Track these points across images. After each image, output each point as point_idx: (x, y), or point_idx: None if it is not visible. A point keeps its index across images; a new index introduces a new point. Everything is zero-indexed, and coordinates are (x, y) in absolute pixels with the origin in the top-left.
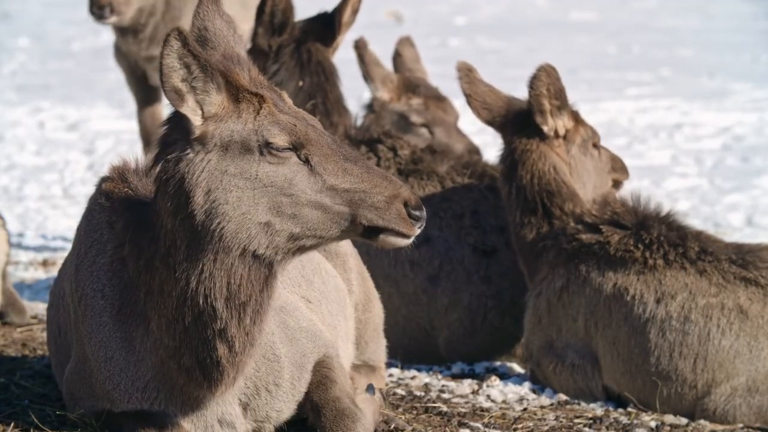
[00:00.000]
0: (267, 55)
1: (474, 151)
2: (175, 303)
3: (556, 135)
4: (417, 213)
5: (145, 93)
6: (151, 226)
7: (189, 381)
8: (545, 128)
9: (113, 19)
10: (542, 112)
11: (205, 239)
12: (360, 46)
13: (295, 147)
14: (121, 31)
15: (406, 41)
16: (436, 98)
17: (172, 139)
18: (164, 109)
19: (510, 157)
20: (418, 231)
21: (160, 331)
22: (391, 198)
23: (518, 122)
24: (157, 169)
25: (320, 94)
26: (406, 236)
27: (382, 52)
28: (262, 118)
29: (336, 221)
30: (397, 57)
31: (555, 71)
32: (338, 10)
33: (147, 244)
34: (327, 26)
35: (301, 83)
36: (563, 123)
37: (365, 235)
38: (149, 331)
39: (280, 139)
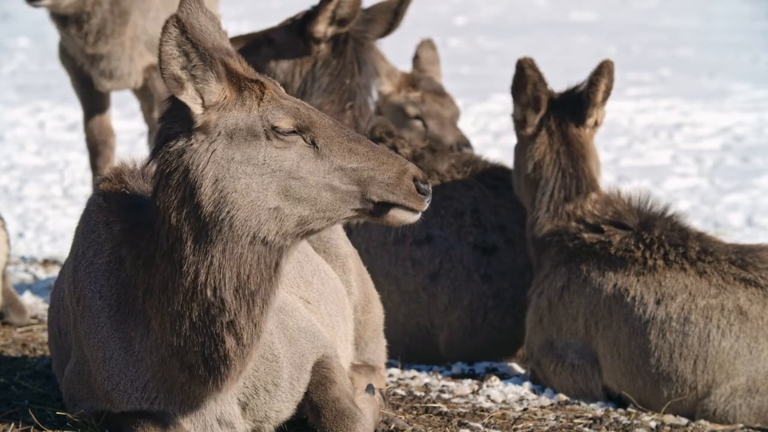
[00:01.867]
0: (317, 42)
1: (464, 143)
2: (181, 299)
3: (594, 125)
4: (425, 187)
5: (92, 99)
6: (150, 225)
7: (191, 378)
8: (590, 120)
9: (48, 1)
10: (595, 105)
11: (214, 230)
12: None
13: (301, 130)
14: (62, 21)
15: (426, 44)
16: (435, 92)
17: (173, 133)
18: (113, 118)
19: (567, 146)
20: (426, 206)
21: (163, 329)
22: (400, 174)
23: (563, 110)
24: (157, 163)
25: (360, 97)
26: (415, 211)
27: (383, 52)
28: (266, 104)
29: (345, 201)
30: (415, 59)
31: (614, 70)
32: (400, 6)
33: (146, 243)
34: (380, 21)
35: (348, 81)
36: (602, 114)
37: (374, 214)
38: (149, 330)
39: (285, 123)
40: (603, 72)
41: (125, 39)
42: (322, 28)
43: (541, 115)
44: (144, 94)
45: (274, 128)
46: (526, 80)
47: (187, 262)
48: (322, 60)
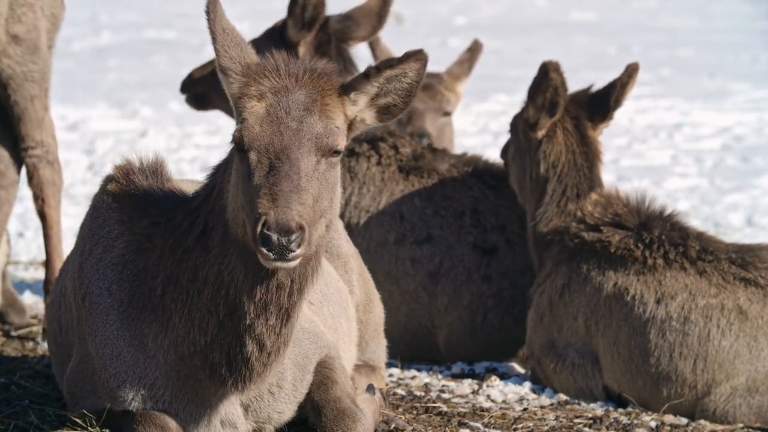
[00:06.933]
0: (294, 46)
1: (419, 134)
2: (210, 293)
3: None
4: (275, 238)
5: None
6: (186, 210)
7: (211, 377)
8: (610, 122)
9: None
10: (620, 107)
11: (230, 229)
12: (373, 41)
13: (247, 149)
14: None
15: (472, 44)
16: (422, 87)
17: None
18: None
19: (585, 147)
20: (272, 258)
21: (188, 326)
22: (257, 218)
23: (577, 110)
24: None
25: None
26: (266, 258)
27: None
28: (241, 121)
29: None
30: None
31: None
32: (383, 8)
33: (179, 226)
34: (364, 24)
35: None
36: None
37: None
38: (169, 327)
39: (237, 137)
40: (633, 75)
41: None
42: (293, 31)
43: (554, 120)
44: None
45: (235, 142)
46: (548, 84)
47: (215, 251)
48: None
